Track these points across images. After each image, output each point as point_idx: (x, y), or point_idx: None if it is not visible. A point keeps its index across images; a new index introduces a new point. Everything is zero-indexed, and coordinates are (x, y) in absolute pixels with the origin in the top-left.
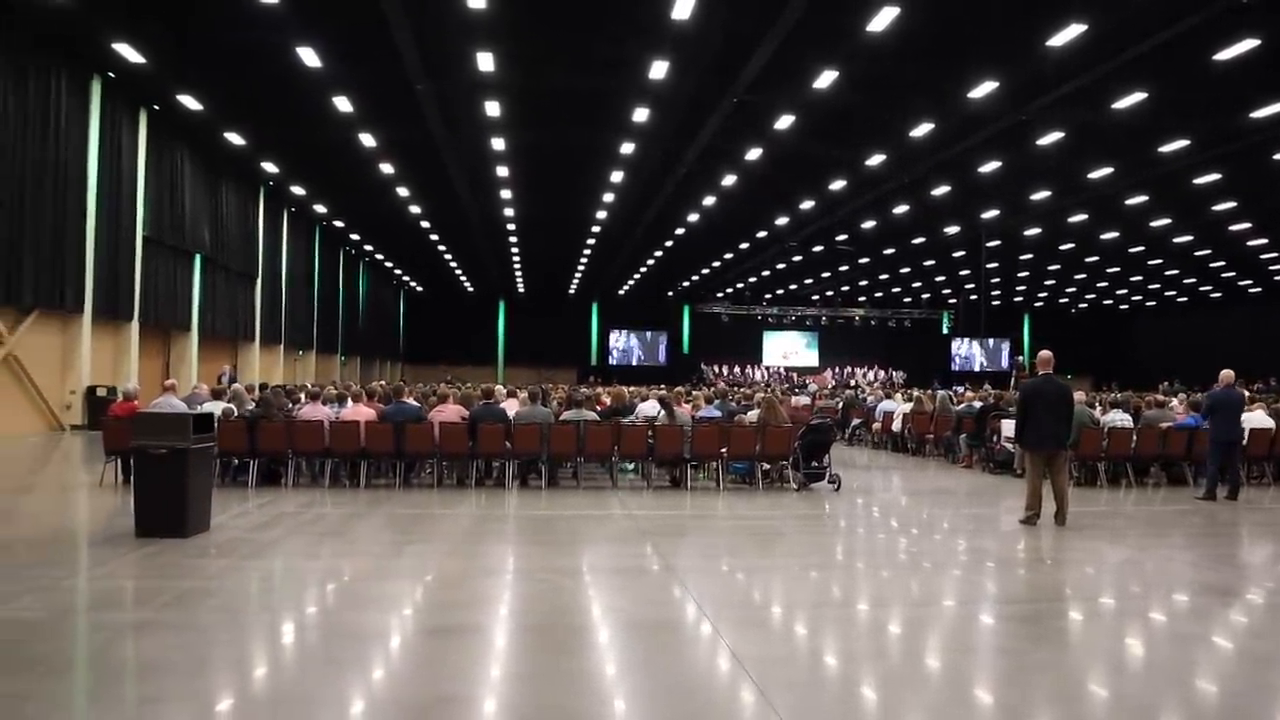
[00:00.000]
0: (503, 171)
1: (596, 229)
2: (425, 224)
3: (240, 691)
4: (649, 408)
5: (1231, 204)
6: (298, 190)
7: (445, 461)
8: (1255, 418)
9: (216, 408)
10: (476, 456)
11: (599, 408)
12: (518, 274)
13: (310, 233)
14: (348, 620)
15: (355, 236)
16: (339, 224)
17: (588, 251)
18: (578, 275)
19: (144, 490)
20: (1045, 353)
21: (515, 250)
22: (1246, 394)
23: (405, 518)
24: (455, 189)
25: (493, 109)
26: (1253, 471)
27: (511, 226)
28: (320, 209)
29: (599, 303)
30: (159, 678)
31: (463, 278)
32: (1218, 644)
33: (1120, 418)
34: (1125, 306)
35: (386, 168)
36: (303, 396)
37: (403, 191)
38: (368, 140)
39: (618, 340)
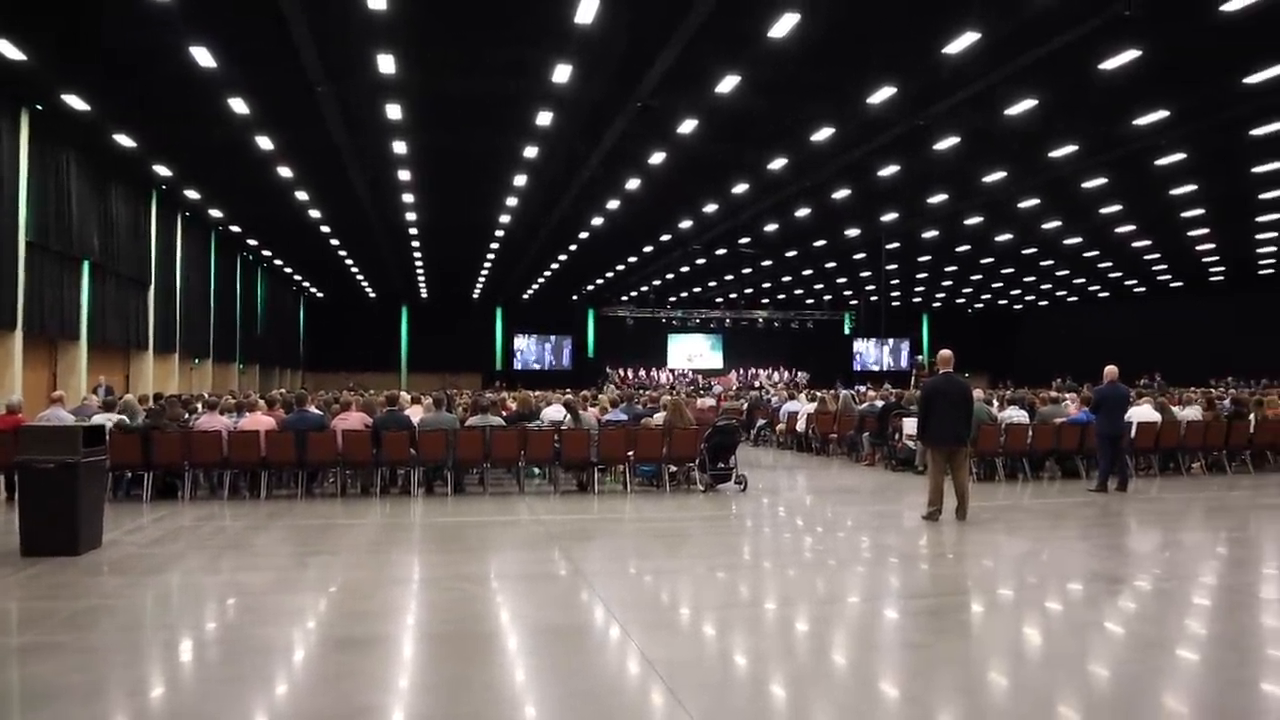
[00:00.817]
0: (405, 175)
1: (500, 233)
2: (326, 229)
3: (139, 714)
4: (554, 412)
5: (1117, 207)
6: (192, 194)
7: (349, 470)
8: (1141, 412)
9: (108, 420)
10: (381, 464)
11: (504, 413)
12: (420, 279)
13: (206, 238)
14: (251, 635)
15: (253, 242)
16: (236, 229)
17: (491, 256)
18: (481, 280)
19: (30, 507)
20: (945, 351)
21: (418, 255)
22: (1133, 391)
23: (309, 529)
24: (356, 193)
25: (394, 112)
26: (1140, 464)
27: (414, 231)
28: (216, 213)
29: (503, 307)
30: (51, 704)
31: (365, 284)
32: (1110, 630)
33: (1017, 414)
34: (1019, 306)
35: (285, 171)
36: (199, 406)
37: (302, 196)
38: (265, 143)
39: (523, 345)
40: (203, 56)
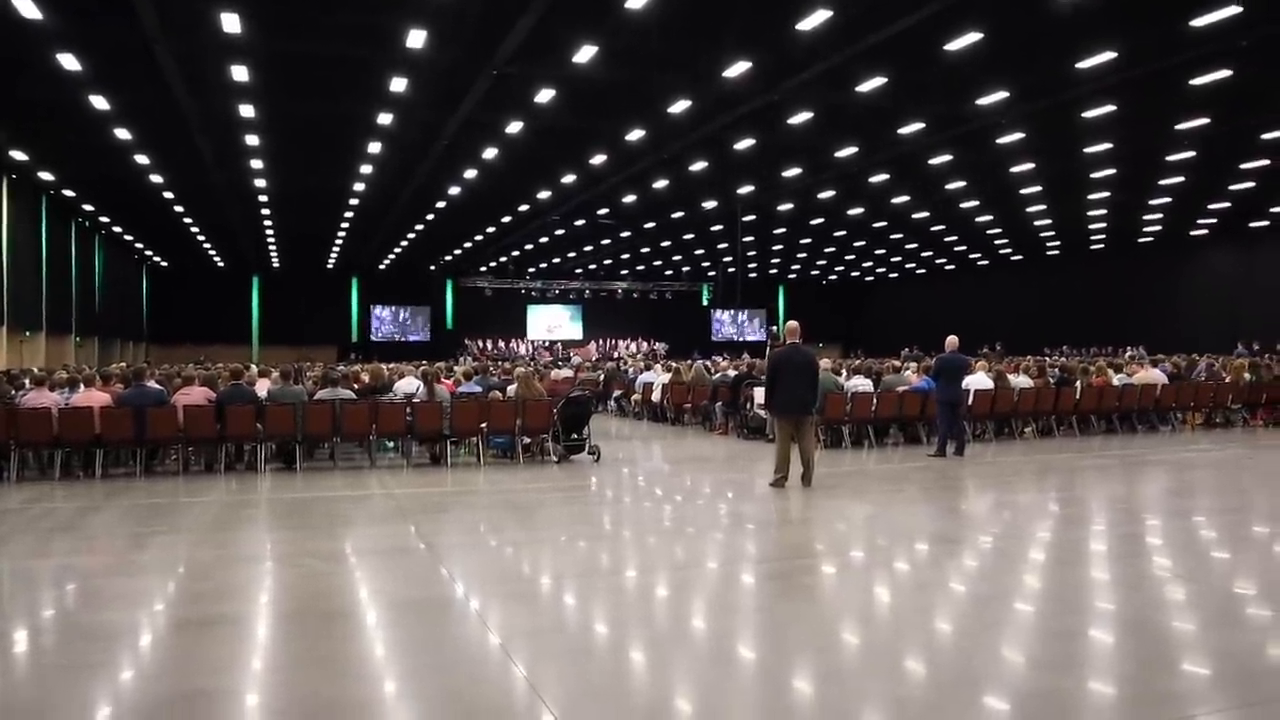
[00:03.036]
0: (253, 140)
1: (355, 202)
2: (169, 195)
3: None
4: (407, 384)
5: (961, 183)
6: (19, 155)
7: (191, 447)
8: (977, 380)
9: None
10: (226, 440)
11: (356, 386)
12: (272, 248)
13: (35, 203)
14: (87, 620)
15: (89, 208)
16: (69, 194)
17: (346, 224)
18: (336, 249)
19: None
20: (792, 323)
21: (269, 223)
22: (972, 359)
23: (148, 508)
24: (202, 158)
25: (240, 73)
26: (977, 429)
27: (264, 198)
28: (46, 176)
29: (359, 278)
30: None
31: (212, 252)
32: (951, 588)
33: (862, 383)
34: (870, 278)
35: (123, 133)
36: (27, 382)
37: (142, 159)
38: (100, 103)
39: (380, 316)
40: (26, 8)
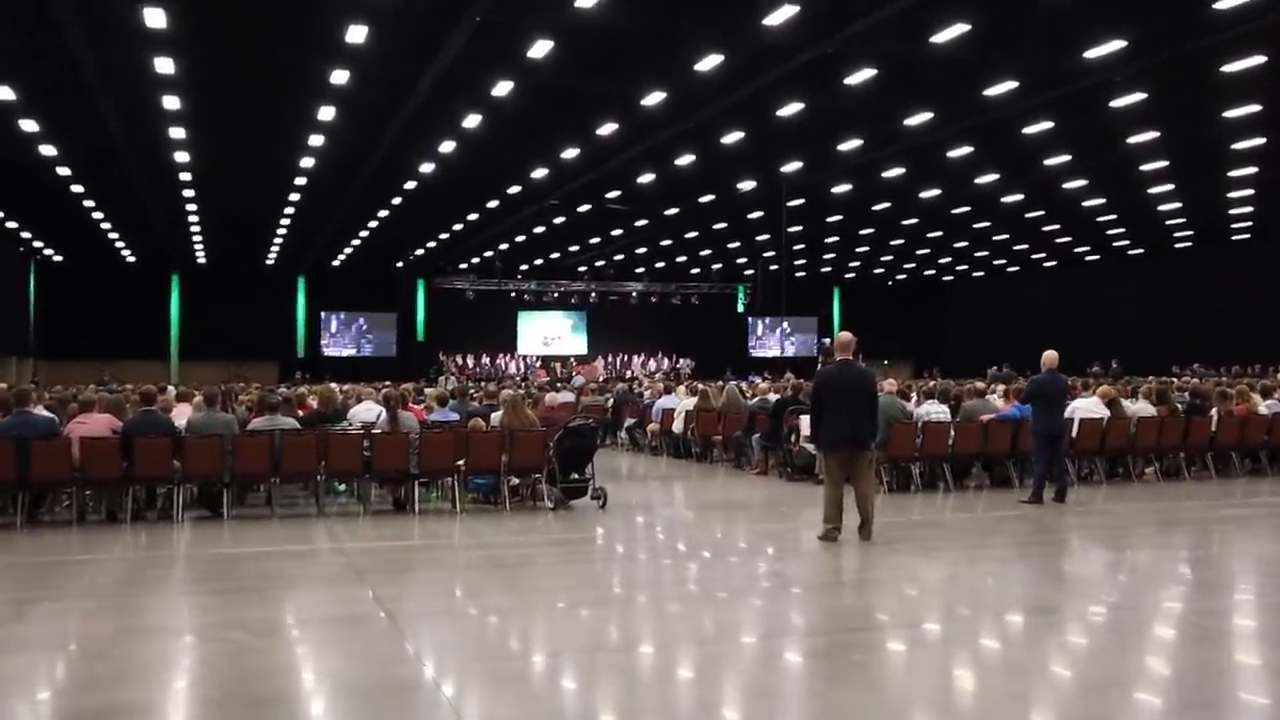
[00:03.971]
0: (172, 102)
1: (302, 181)
2: (64, 170)
3: None
4: (366, 411)
5: (1065, 157)
6: None
7: (89, 490)
8: (1084, 406)
9: None
10: (134, 481)
11: (302, 413)
12: (197, 239)
13: None
14: None
15: None
16: None
17: (291, 209)
18: (278, 241)
19: None
20: (844, 335)
21: (192, 207)
22: (1077, 381)
23: (31, 568)
24: (107, 124)
25: (154, 16)
26: (1083, 468)
27: (186, 175)
28: None
29: (307, 277)
30: None
31: (120, 244)
32: (1052, 673)
33: (936, 410)
34: (948, 278)
35: (3, 92)
36: None
37: (29, 125)
38: None
39: (332, 325)
40: None
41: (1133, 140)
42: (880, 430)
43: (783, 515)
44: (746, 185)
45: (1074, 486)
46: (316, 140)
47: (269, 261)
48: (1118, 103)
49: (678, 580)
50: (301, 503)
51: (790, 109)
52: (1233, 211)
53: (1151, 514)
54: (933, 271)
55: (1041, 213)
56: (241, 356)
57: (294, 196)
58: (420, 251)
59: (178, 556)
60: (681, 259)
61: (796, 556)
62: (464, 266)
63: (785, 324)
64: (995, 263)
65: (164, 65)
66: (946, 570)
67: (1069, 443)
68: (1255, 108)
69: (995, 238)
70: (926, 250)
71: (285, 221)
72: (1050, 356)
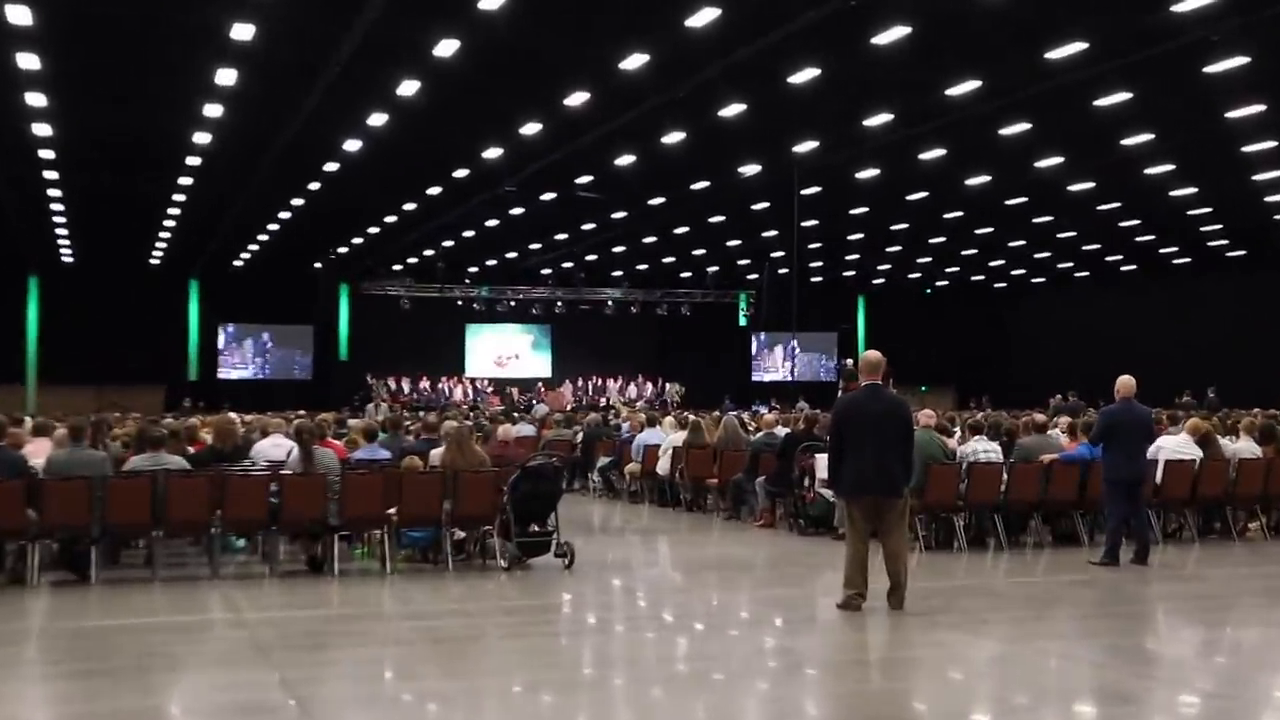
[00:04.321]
0: (28, 61)
1: (194, 161)
2: None
3: None
4: (273, 447)
5: (1146, 135)
6: None
7: None
8: (1171, 445)
9: None
10: None
11: (192, 449)
12: (61, 232)
13: None
14: None
15: None
16: None
17: (180, 196)
18: (164, 236)
19: None
20: (872, 354)
21: (55, 193)
22: (1162, 414)
23: None
24: None
25: None
26: (1169, 522)
27: (48, 154)
28: None
29: (201, 281)
30: None
31: None
32: None
33: (985, 448)
34: (1001, 284)
35: None
36: None
37: None
38: None
39: (233, 341)
40: None
41: (1232, 115)
42: (916, 473)
43: (794, 578)
44: (750, 169)
45: (1158, 545)
46: (213, 110)
47: (153, 261)
48: (1214, 68)
49: (663, 659)
50: (191, 562)
51: (804, 74)
52: None
53: (1257, 580)
54: (981, 277)
55: (1117, 205)
56: (117, 380)
57: (184, 180)
58: (343, 250)
59: (31, 631)
60: (669, 260)
61: (811, 630)
62: (398, 268)
63: (796, 341)
64: (1059, 266)
65: (18, 14)
66: (998, 649)
67: (1151, 491)
68: None
69: (1060, 235)
70: (973, 250)
71: (173, 211)
72: (1126, 383)
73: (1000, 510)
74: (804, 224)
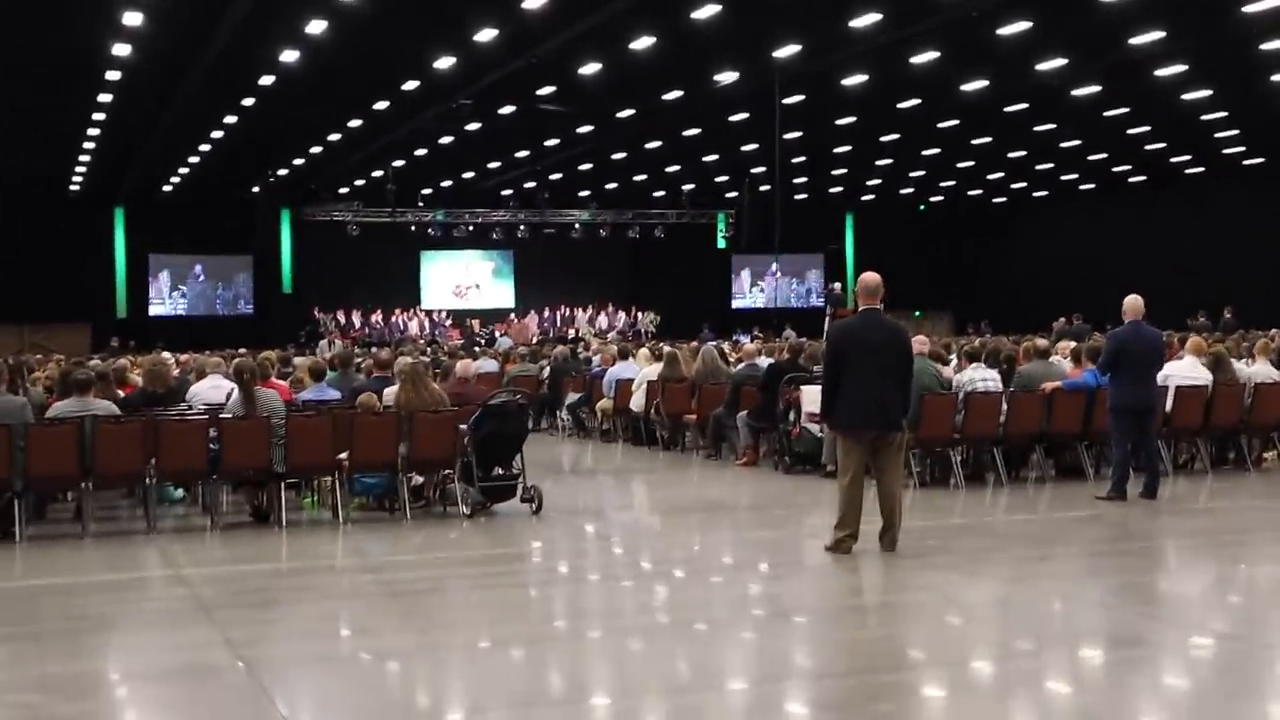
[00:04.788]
0: None
1: (115, 75)
2: None
3: None
4: (212, 389)
5: (1156, 34)
6: None
7: None
8: (1180, 369)
9: None
10: None
11: (122, 393)
12: None
13: None
14: None
15: None
16: None
17: (101, 115)
18: (85, 158)
19: None
20: (869, 277)
21: None
22: (1172, 336)
23: None
24: None
25: None
26: (1180, 453)
27: None
28: None
29: (128, 208)
30: None
31: None
32: None
33: (983, 377)
34: (1000, 200)
35: None
36: None
37: None
38: None
39: (165, 274)
40: None
41: (1250, 9)
42: (911, 404)
43: (779, 520)
44: (727, 77)
45: (1168, 477)
46: (133, 19)
47: (73, 187)
48: None
49: (641, 609)
50: (124, 516)
51: None
52: None
53: (1273, 513)
54: (979, 191)
55: (1125, 110)
56: (37, 318)
57: (105, 97)
58: (284, 172)
59: None
60: (640, 178)
61: (799, 574)
62: (345, 191)
63: (779, 264)
64: (1063, 179)
65: None
66: (998, 591)
67: (1161, 419)
68: None
69: (1063, 145)
70: (970, 163)
71: (93, 133)
72: (1134, 303)
73: (999, 443)
74: (786, 136)
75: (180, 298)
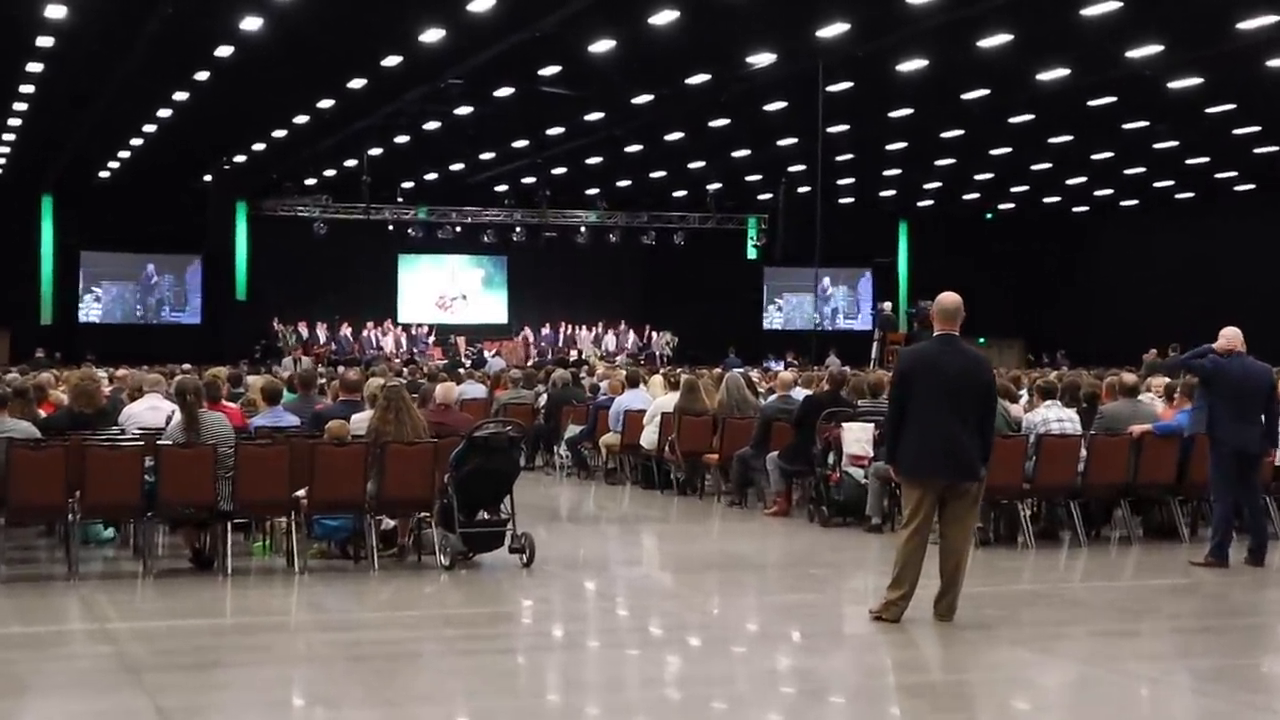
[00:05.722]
0: None
1: (47, 41)
2: None
3: None
4: (150, 411)
5: (1269, 19)
6: None
7: None
8: None
9: None
10: None
11: (43, 412)
12: None
13: None
14: None
15: None
16: None
17: (29, 88)
18: (8, 140)
19: None
20: (949, 298)
21: None
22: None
23: None
24: None
25: None
26: None
27: None
28: None
29: (57, 198)
30: None
31: None
32: None
33: (1057, 417)
34: (1081, 209)
35: None
36: None
37: None
38: None
39: (100, 275)
40: None
41: None
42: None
43: (814, 581)
44: (763, 59)
45: (1277, 541)
46: None
47: None
48: None
49: (648, 682)
50: (43, 558)
51: None
52: None
53: None
54: (1056, 199)
55: (1232, 107)
56: None
57: (34, 66)
58: (241, 159)
59: None
60: (658, 175)
61: (837, 646)
62: (312, 183)
63: (826, 279)
64: (1157, 185)
65: None
66: (1075, 672)
67: (1270, 471)
68: None
69: (1157, 146)
70: (1047, 165)
71: (19, 108)
72: (1231, 336)
73: (1077, 495)
74: (831, 130)
75: (115, 303)
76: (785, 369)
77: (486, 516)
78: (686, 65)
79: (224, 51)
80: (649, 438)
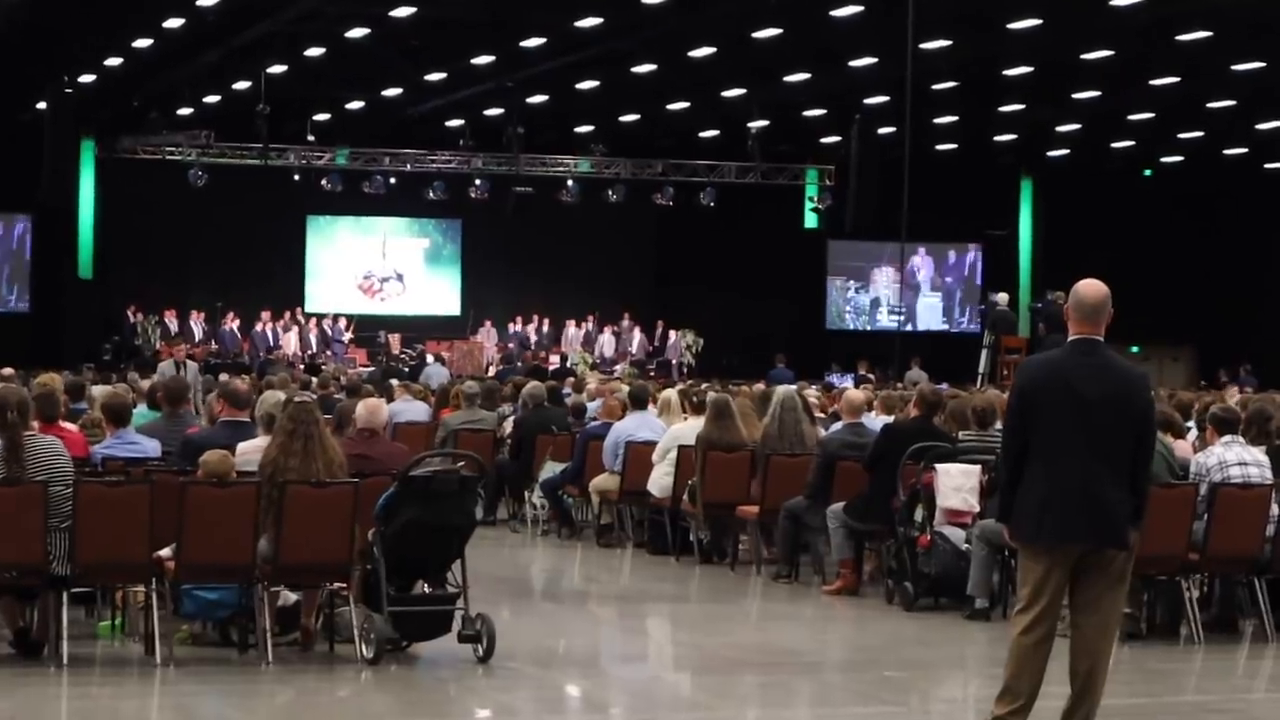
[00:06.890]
0: None
1: None
2: None
3: None
4: None
5: None
6: None
7: None
8: None
9: None
10: None
11: None
12: None
13: None
14: None
15: None
16: None
17: None
18: None
19: None
20: (1090, 287)
21: None
22: None
23: None
24: None
25: None
26: None
27: None
28: None
29: None
30: None
31: None
32: None
33: (1239, 459)
34: (1275, 165)
35: None
36: None
37: None
38: None
39: None
40: None
41: None
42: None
43: (894, 688)
44: None
45: None
46: None
47: None
48: None
49: None
50: None
51: None
52: None
53: None
54: (1241, 150)
55: None
56: None
57: None
58: (89, 79)
59: None
60: (678, 107)
61: None
62: (187, 114)
63: (916, 258)
64: None
65: None
66: None
67: None
68: None
69: None
70: (1228, 102)
71: None
72: None
73: (1264, 570)
74: (925, 46)
75: None
76: (856, 386)
77: (427, 590)
78: None
79: None
80: (660, 481)
